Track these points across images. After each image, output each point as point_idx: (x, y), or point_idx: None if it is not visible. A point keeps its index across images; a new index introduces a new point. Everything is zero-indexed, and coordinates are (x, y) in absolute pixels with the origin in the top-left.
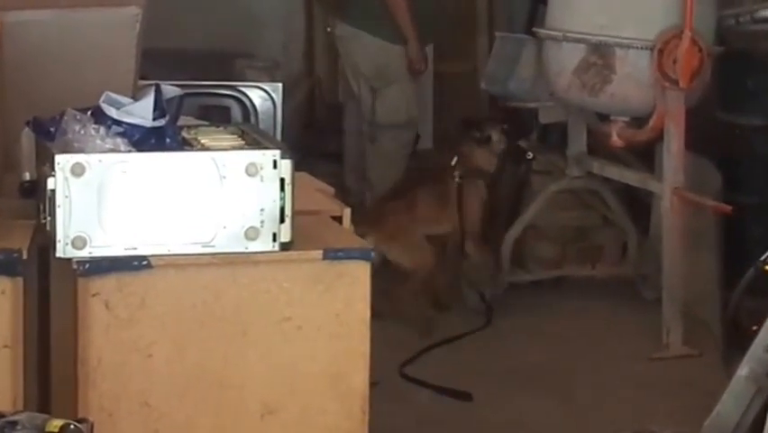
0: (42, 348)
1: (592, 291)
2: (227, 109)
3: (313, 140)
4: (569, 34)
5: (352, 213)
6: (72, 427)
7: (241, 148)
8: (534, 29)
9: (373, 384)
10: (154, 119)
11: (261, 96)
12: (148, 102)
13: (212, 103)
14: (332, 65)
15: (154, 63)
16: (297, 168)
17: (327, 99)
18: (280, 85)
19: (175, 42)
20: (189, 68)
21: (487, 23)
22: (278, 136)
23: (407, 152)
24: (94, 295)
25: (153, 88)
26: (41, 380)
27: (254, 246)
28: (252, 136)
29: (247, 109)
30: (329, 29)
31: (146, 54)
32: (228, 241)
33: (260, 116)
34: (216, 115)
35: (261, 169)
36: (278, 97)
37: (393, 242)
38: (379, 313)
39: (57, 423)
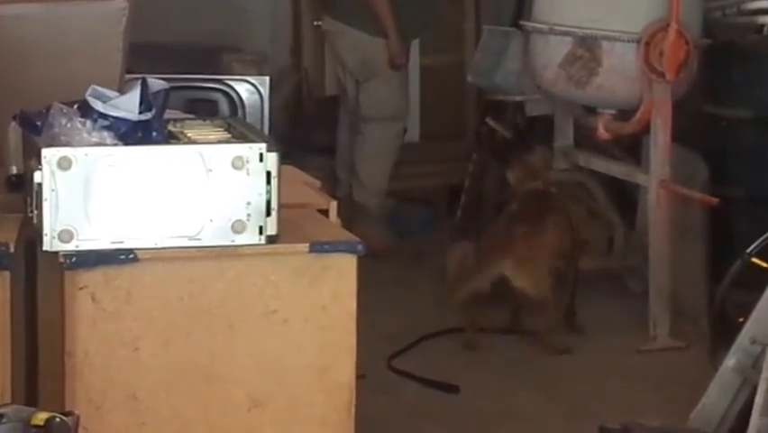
0: (30, 341)
1: (579, 284)
2: (214, 103)
3: (300, 133)
4: (555, 27)
5: (339, 206)
6: (57, 420)
7: (227, 141)
8: (521, 22)
9: (361, 377)
10: (140, 113)
11: (249, 89)
12: (134, 95)
13: (199, 96)
14: (319, 58)
15: (141, 57)
16: (284, 161)
17: (315, 93)
18: (267, 78)
19: (162, 36)
20: (177, 61)
21: (474, 15)
22: (266, 130)
23: (397, 145)
24: (81, 288)
25: (139, 82)
26: (28, 373)
27: (240, 239)
28: (239, 130)
29: (234, 103)
30: (317, 23)
31: (134, 48)
32: (214, 234)
33: (248, 110)
34: (204, 109)
35: (247, 162)
36: (265, 91)
37: (522, 270)
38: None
39: (42, 416)
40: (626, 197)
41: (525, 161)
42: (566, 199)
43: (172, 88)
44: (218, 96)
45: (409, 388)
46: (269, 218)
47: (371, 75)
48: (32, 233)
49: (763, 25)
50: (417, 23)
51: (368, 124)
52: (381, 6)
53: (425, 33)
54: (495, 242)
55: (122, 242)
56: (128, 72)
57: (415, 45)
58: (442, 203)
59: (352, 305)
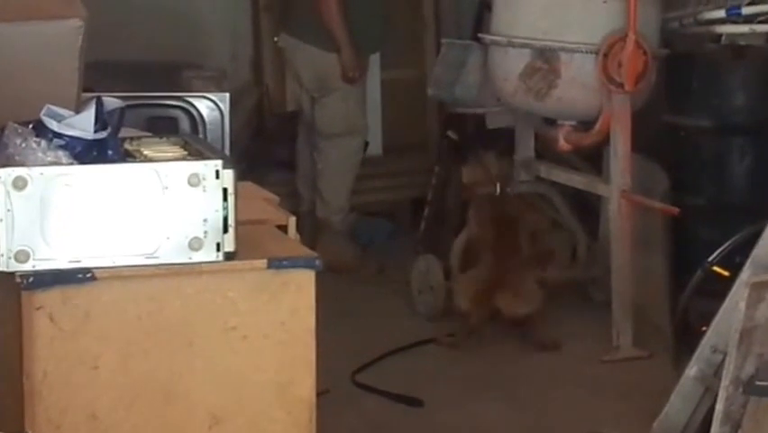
0: None
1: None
2: (175, 120)
3: (262, 149)
4: (514, 40)
5: (298, 222)
6: None
7: (183, 159)
8: (480, 35)
9: (325, 392)
10: (96, 131)
11: (209, 106)
12: (89, 114)
13: (159, 114)
14: (280, 74)
15: (101, 75)
16: (246, 177)
17: (276, 108)
18: (227, 95)
19: (122, 54)
20: (137, 79)
21: (434, 29)
22: (227, 146)
23: (356, 160)
24: (38, 308)
25: (94, 101)
26: None
27: (198, 257)
28: (195, 147)
29: (195, 120)
30: (277, 39)
31: (93, 66)
32: (172, 252)
33: (208, 127)
34: (164, 127)
35: (204, 179)
36: (225, 107)
37: (516, 300)
38: None
39: None
40: (588, 207)
41: (480, 161)
42: (522, 202)
43: (132, 106)
44: (178, 113)
45: (373, 402)
46: (226, 235)
47: (327, 90)
48: None
49: (720, 35)
50: (373, 37)
51: (325, 140)
52: (334, 20)
53: (381, 48)
54: (480, 280)
55: (79, 261)
56: (87, 91)
57: (375, 59)
58: (405, 216)
59: (311, 320)
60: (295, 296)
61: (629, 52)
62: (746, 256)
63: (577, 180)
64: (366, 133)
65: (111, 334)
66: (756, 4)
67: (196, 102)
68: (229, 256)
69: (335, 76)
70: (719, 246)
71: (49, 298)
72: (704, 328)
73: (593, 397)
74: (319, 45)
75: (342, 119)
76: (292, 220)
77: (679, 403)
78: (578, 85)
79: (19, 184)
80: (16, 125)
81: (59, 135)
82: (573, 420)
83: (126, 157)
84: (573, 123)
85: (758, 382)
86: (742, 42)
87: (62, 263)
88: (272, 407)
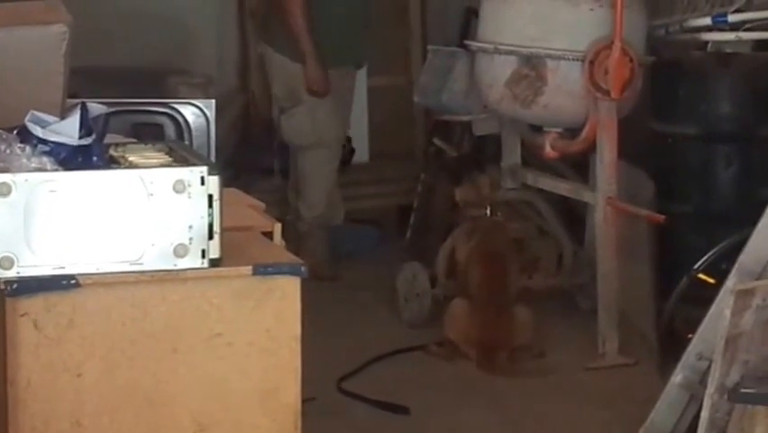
0: None
1: (529, 302)
2: (160, 126)
3: (248, 156)
4: (500, 46)
5: (284, 229)
6: None
7: (168, 165)
8: (466, 42)
9: (310, 400)
10: (80, 137)
11: (195, 112)
12: (74, 120)
13: (145, 120)
14: (266, 81)
15: (87, 81)
16: (232, 184)
17: (262, 115)
18: (213, 101)
19: (109, 60)
20: (123, 85)
21: (421, 36)
22: (212, 153)
23: (329, 170)
24: (22, 315)
25: (79, 107)
26: None
27: (183, 263)
28: (180, 153)
29: (180, 126)
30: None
31: (80, 72)
32: (157, 258)
33: (194, 133)
34: (150, 133)
35: (189, 185)
36: (211, 114)
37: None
38: None
39: None
40: (574, 215)
41: (474, 182)
42: (508, 223)
43: (117, 113)
44: (164, 119)
45: (360, 410)
46: (211, 241)
47: (296, 101)
48: None
49: (706, 42)
50: (343, 49)
51: (296, 150)
52: (300, 29)
53: (359, 63)
54: (468, 314)
55: (63, 268)
56: (74, 97)
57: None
58: (391, 223)
59: (296, 327)
60: (280, 303)
61: (615, 59)
62: (732, 263)
63: (563, 188)
64: (338, 144)
65: (95, 341)
66: (742, 12)
67: (182, 108)
68: (214, 263)
69: (303, 87)
70: (705, 253)
71: (33, 305)
72: (690, 336)
73: (579, 404)
74: (289, 55)
75: (308, 132)
76: (277, 227)
77: (664, 410)
78: (564, 92)
79: (3, 190)
80: (0, 131)
81: (44, 141)
82: (559, 428)
83: (111, 163)
84: (560, 130)
85: (743, 390)
86: (728, 50)
87: (46, 270)
88: (257, 414)
